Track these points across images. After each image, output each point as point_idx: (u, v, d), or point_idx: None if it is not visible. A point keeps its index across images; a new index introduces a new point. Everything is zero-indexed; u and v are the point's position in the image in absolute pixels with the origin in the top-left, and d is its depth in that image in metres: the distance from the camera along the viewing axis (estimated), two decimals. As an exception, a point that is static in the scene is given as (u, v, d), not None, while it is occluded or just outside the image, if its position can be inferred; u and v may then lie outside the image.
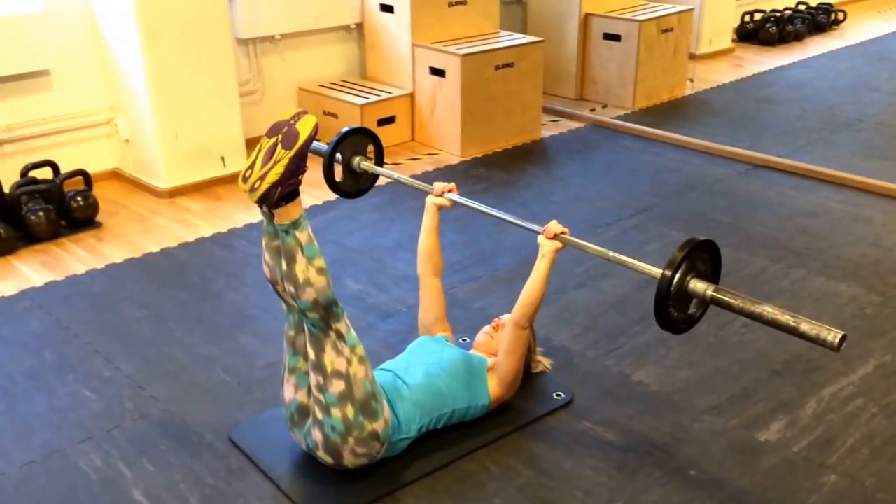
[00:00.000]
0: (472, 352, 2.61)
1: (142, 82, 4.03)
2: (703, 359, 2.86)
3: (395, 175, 2.88)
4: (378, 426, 2.18)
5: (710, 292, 2.04)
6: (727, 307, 2.02)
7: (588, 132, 5.28)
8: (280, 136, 2.04)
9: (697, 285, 2.06)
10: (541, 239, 2.41)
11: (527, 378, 2.67)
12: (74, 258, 3.61)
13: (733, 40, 7.43)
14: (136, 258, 3.59)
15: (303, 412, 2.24)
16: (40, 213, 3.67)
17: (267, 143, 2.05)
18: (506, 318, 2.58)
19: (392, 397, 2.31)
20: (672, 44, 5.80)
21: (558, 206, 4.16)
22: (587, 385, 2.71)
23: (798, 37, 7.69)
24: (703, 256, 2.11)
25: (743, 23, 7.60)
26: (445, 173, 4.57)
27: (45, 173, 3.89)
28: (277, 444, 2.37)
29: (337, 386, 2.12)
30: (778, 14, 7.65)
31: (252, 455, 2.36)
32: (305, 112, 2.09)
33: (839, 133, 5.22)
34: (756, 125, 5.37)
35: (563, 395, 2.64)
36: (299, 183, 2.06)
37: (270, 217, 2.11)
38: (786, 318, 1.91)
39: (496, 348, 2.55)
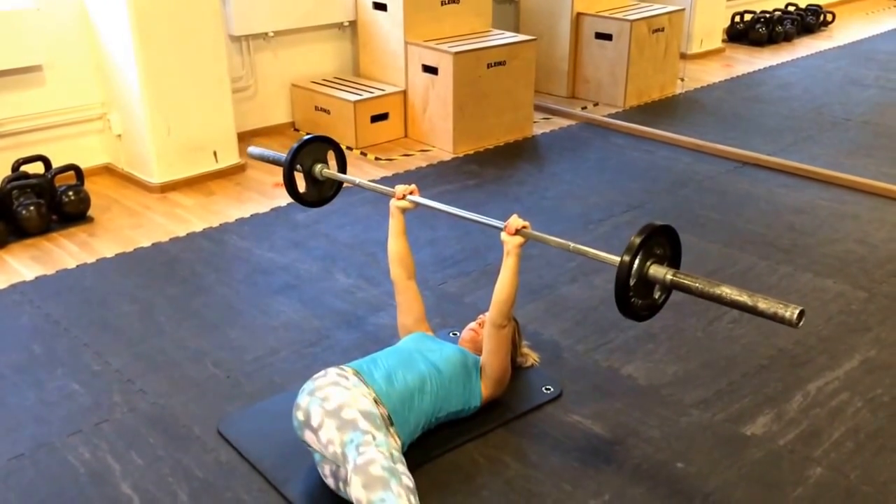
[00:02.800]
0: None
1: (134, 78, 4.03)
2: (690, 354, 2.88)
3: (357, 180, 2.90)
4: (403, 473, 2.04)
5: (669, 276, 2.06)
6: (686, 290, 2.04)
7: (579, 130, 5.31)
8: None
9: (658, 270, 2.08)
10: (503, 236, 2.39)
11: (516, 372, 2.68)
12: (65, 253, 3.61)
13: (723, 40, 7.47)
14: (127, 253, 3.59)
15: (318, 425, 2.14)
16: (31, 208, 3.67)
17: None
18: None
19: (401, 416, 2.25)
20: (663, 43, 5.83)
21: (552, 201, 4.18)
22: (576, 379, 2.73)
23: (787, 37, 7.74)
24: (661, 241, 2.12)
25: (733, 23, 7.64)
26: (438, 169, 4.58)
27: (37, 168, 3.89)
28: (265, 437, 2.38)
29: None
30: (767, 15, 7.70)
31: (240, 448, 2.37)
32: None
33: (826, 132, 5.26)
34: (745, 124, 5.41)
35: (552, 389, 2.65)
36: None
37: None
38: (743, 297, 1.94)
39: (481, 343, 2.55)
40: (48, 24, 4.07)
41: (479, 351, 2.55)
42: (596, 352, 2.88)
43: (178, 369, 2.77)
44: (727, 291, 1.97)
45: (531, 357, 2.76)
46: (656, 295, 2.15)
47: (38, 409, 2.57)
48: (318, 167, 2.91)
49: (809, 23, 8.06)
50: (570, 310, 3.16)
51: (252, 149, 3.23)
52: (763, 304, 1.91)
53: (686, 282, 2.04)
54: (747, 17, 7.66)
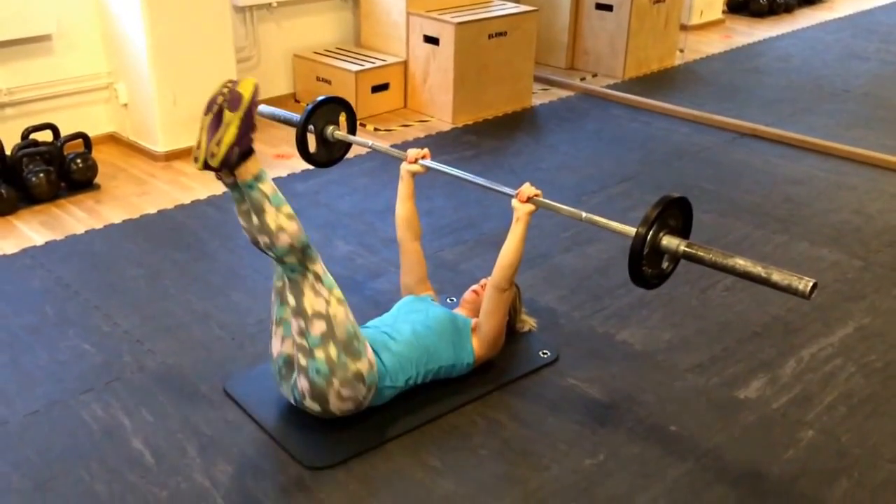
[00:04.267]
0: (457, 311, 2.69)
1: (141, 48, 4.06)
2: (685, 320, 2.94)
3: (369, 143, 2.93)
4: (362, 366, 2.24)
5: (682, 248, 2.10)
6: (699, 261, 2.08)
7: (578, 101, 5.33)
8: (222, 103, 2.11)
9: (671, 241, 2.12)
10: (514, 202, 2.45)
11: (513, 337, 2.75)
12: (74, 219, 3.67)
13: (724, 11, 7.47)
14: (134, 219, 3.65)
15: (289, 365, 2.31)
16: (41, 175, 3.71)
17: (207, 119, 2.13)
18: None
19: (379, 349, 2.38)
20: (663, 15, 5.84)
21: (546, 172, 4.22)
22: (572, 344, 2.79)
23: (788, 9, 7.73)
24: (676, 213, 2.17)
25: (734, -6, 7.64)
26: (437, 140, 4.62)
27: (46, 136, 3.93)
28: (270, 396, 2.45)
29: (318, 327, 2.19)
30: (769, -15, 7.69)
31: (246, 406, 2.45)
32: (242, 79, 2.17)
33: (825, 103, 5.29)
34: (743, 95, 5.43)
35: (548, 354, 2.72)
36: (252, 140, 2.15)
37: (233, 184, 2.19)
38: (757, 269, 1.98)
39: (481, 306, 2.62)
40: (57, -6, 4.10)
41: (478, 313, 2.60)
42: (591, 318, 2.94)
43: (184, 331, 2.83)
44: (741, 263, 2.00)
45: (528, 323, 2.83)
46: (665, 265, 2.18)
47: (51, 367, 2.64)
48: (329, 128, 2.94)
49: (810, -7, 8.05)
50: (566, 278, 3.22)
51: (263, 107, 3.23)
52: (777, 276, 1.94)
53: (699, 253, 2.07)
54: (749, -12, 7.65)
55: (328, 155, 3.03)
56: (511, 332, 2.74)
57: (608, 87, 5.52)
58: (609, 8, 5.67)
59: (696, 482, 2.22)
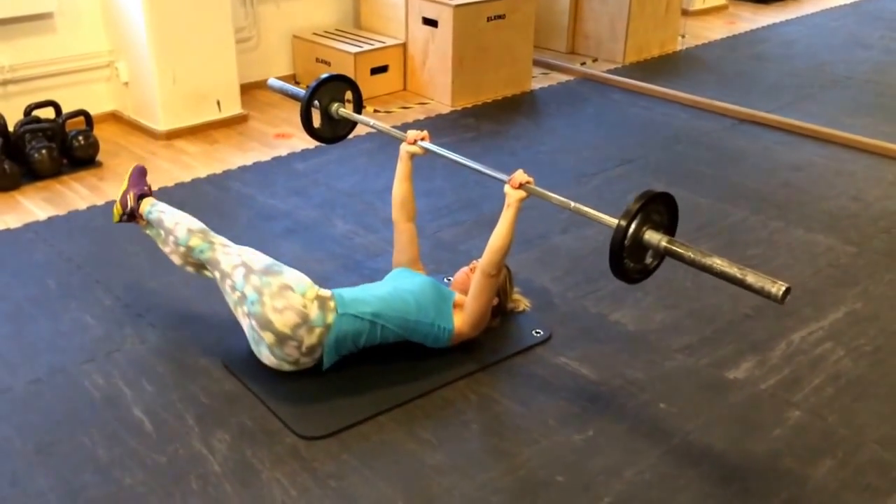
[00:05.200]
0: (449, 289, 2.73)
1: (140, 27, 4.09)
2: (678, 302, 2.98)
3: (371, 122, 2.96)
4: (286, 279, 2.39)
5: (663, 243, 2.12)
6: (679, 258, 2.11)
7: (578, 85, 5.35)
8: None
9: (652, 236, 2.13)
10: (507, 188, 2.49)
11: (506, 316, 2.79)
12: (76, 195, 3.72)
13: (727, -4, 7.46)
14: (135, 196, 3.69)
15: (252, 331, 2.42)
16: (43, 151, 3.76)
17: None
18: None
19: (352, 292, 2.51)
20: (664, -1, 5.84)
21: (546, 155, 4.25)
22: (566, 324, 2.83)
23: (793, -6, 7.70)
24: (660, 209, 2.18)
25: (739, -20, 7.61)
26: (436, 122, 4.65)
27: (48, 113, 3.97)
28: (268, 370, 2.50)
29: (239, 273, 2.43)
30: (775, -28, 7.65)
31: (244, 379, 2.50)
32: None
33: (828, 90, 5.28)
34: (745, 81, 5.43)
35: (541, 333, 2.76)
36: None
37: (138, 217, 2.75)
38: (733, 270, 2.01)
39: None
40: (58, -28, 4.13)
41: (466, 293, 2.63)
42: (585, 299, 2.98)
43: (185, 305, 2.89)
44: (718, 263, 2.04)
45: (522, 303, 2.86)
46: (648, 260, 2.21)
47: (53, 338, 2.70)
48: (335, 105, 2.97)
49: (816, -20, 8.01)
50: (562, 259, 3.25)
51: (272, 80, 3.27)
52: (751, 279, 1.97)
53: (679, 250, 2.09)
54: (753, -26, 7.62)
55: (332, 132, 3.06)
56: (504, 312, 2.78)
57: (608, 71, 5.53)
58: (610, -9, 5.68)
59: (682, 458, 2.27)
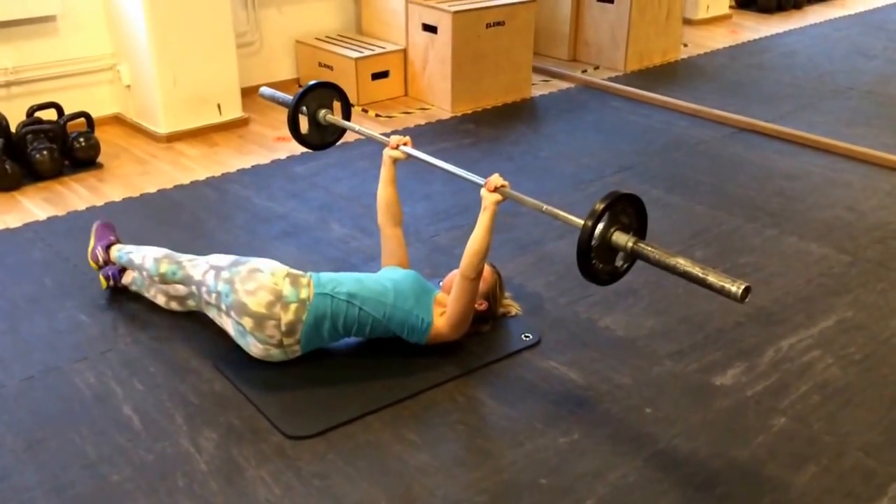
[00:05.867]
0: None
1: (143, 30, 4.14)
2: (669, 308, 2.99)
3: (357, 128, 3.01)
4: (254, 264, 2.51)
5: (630, 244, 2.14)
6: (646, 259, 2.13)
7: (578, 93, 5.37)
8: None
9: (620, 237, 2.16)
10: (483, 192, 2.51)
11: (497, 320, 2.81)
12: (76, 196, 3.76)
13: (731, 6, 7.47)
14: (134, 198, 3.74)
15: (237, 328, 2.52)
16: (45, 152, 3.81)
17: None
18: None
19: (330, 275, 2.58)
20: (665, 8, 5.86)
21: (544, 161, 4.27)
22: (556, 328, 2.84)
23: (797, 5, 7.72)
24: (628, 210, 2.20)
25: (743, -11, 7.64)
26: (436, 127, 4.68)
27: (50, 115, 4.03)
28: (258, 371, 2.53)
29: (209, 276, 2.56)
30: (779, -18, 7.67)
31: (233, 379, 2.53)
32: None
33: (828, 100, 5.29)
34: (746, 90, 5.44)
35: (531, 337, 2.77)
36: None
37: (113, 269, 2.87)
38: (695, 270, 2.05)
39: None
40: (62, -25, 4.19)
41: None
42: (577, 304, 3.00)
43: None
44: (682, 263, 2.07)
45: (514, 307, 2.87)
46: (619, 262, 2.23)
47: (48, 336, 2.74)
48: (322, 112, 3.01)
49: (822, -10, 8.03)
50: (556, 264, 3.27)
51: (264, 89, 3.33)
52: (712, 278, 2.01)
53: (645, 250, 2.13)
54: (758, -17, 7.64)
55: (320, 138, 3.10)
56: (495, 317, 2.79)
57: (609, 79, 5.55)
58: (610, 0, 5.70)
59: (666, 462, 2.28)
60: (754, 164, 4.27)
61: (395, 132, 4.55)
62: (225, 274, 2.51)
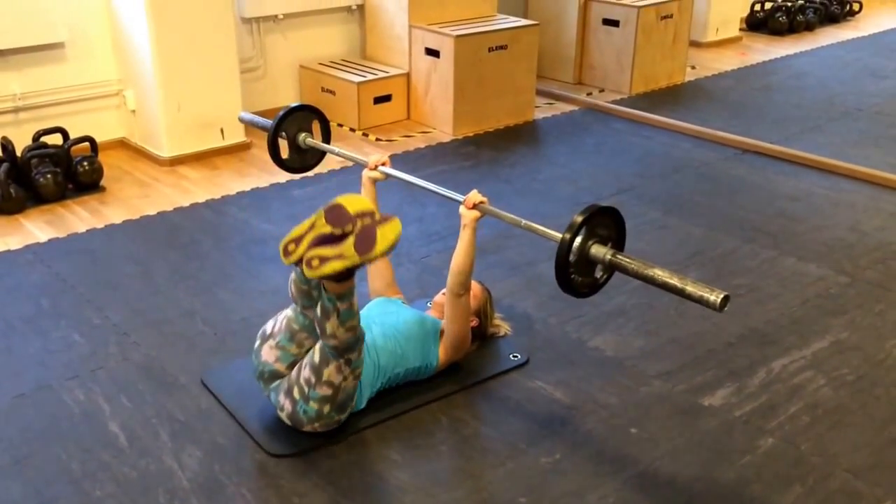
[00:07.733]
0: (429, 313, 2.77)
1: (148, 57, 4.22)
2: (660, 329, 2.98)
3: (337, 150, 3.01)
4: (344, 416, 2.37)
5: (608, 257, 2.15)
6: (624, 271, 2.14)
7: (581, 115, 5.38)
8: (351, 232, 2.09)
9: (599, 250, 2.17)
10: (461, 209, 2.50)
11: (486, 340, 2.82)
12: (77, 218, 3.83)
13: (741, 29, 7.46)
14: (134, 220, 3.80)
15: (274, 376, 2.38)
16: (48, 176, 3.89)
17: (325, 229, 2.10)
18: None
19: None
20: (672, 30, 5.88)
21: (542, 183, 4.29)
22: (544, 349, 2.85)
23: (809, 27, 7.69)
24: (606, 222, 2.21)
25: (753, 12, 7.62)
26: (437, 150, 4.71)
27: (56, 139, 4.11)
28: (244, 390, 2.55)
29: (324, 390, 2.27)
30: (789, 4, 7.65)
31: (220, 397, 2.56)
32: (390, 218, 2.12)
33: (835, 121, 5.26)
34: (752, 112, 5.43)
35: (519, 357, 2.78)
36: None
37: (306, 277, 2.18)
38: (673, 280, 2.05)
39: None
40: (71, 4, 4.29)
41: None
42: (567, 324, 3.00)
43: (170, 325, 2.96)
44: (659, 274, 2.07)
45: (503, 327, 2.89)
46: (598, 274, 2.23)
47: (41, 355, 2.79)
48: (301, 135, 3.03)
49: (834, 12, 7.99)
50: (547, 285, 3.25)
51: (243, 114, 3.34)
52: (691, 288, 2.01)
53: (623, 262, 2.13)
54: (768, 5, 7.63)
55: (301, 162, 3.11)
56: (483, 337, 2.80)
57: (614, 102, 5.56)
58: (616, 23, 5.73)
59: (648, 483, 2.27)
60: (756, 186, 4.26)
61: (392, 157, 4.61)
62: (326, 408, 2.31)
